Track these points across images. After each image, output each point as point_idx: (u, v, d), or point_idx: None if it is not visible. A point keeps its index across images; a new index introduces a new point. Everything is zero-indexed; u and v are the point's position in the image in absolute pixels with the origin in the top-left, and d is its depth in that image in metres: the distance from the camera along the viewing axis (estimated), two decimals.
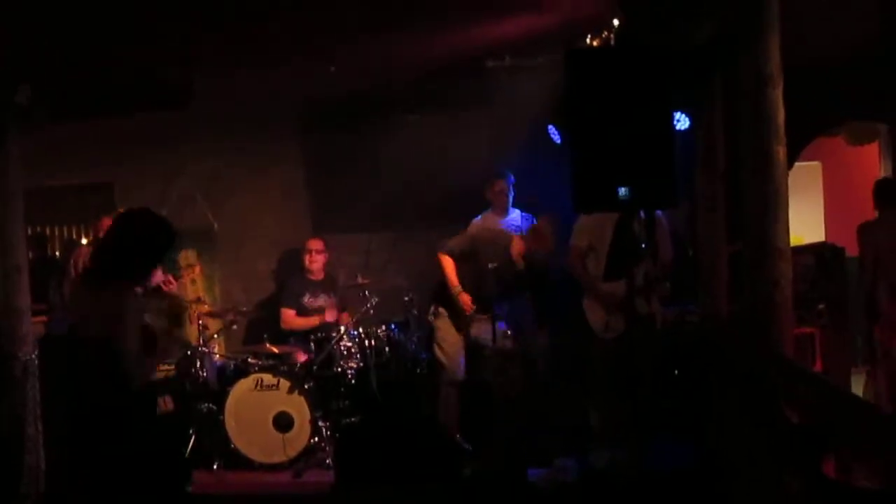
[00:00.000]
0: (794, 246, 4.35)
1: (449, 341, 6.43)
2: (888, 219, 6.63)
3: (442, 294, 6.46)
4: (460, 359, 6.42)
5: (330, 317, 7.09)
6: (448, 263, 6.38)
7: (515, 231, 6.69)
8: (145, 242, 3.85)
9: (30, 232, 7.84)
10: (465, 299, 6.26)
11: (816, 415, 3.40)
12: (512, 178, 6.89)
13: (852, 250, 6.84)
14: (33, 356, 5.88)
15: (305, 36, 5.87)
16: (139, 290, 4.08)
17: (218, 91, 6.88)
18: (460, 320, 6.38)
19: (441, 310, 6.48)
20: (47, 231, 8.36)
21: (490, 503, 5.09)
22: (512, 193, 6.88)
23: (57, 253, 8.33)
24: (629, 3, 5.23)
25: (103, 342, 3.67)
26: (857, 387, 6.68)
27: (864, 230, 6.74)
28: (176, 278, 6.99)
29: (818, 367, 6.23)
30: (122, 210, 3.98)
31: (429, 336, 6.76)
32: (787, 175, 3.98)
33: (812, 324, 6.35)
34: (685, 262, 6.18)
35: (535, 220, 6.88)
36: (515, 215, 7.00)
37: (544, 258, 6.28)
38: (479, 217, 6.88)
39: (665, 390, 5.54)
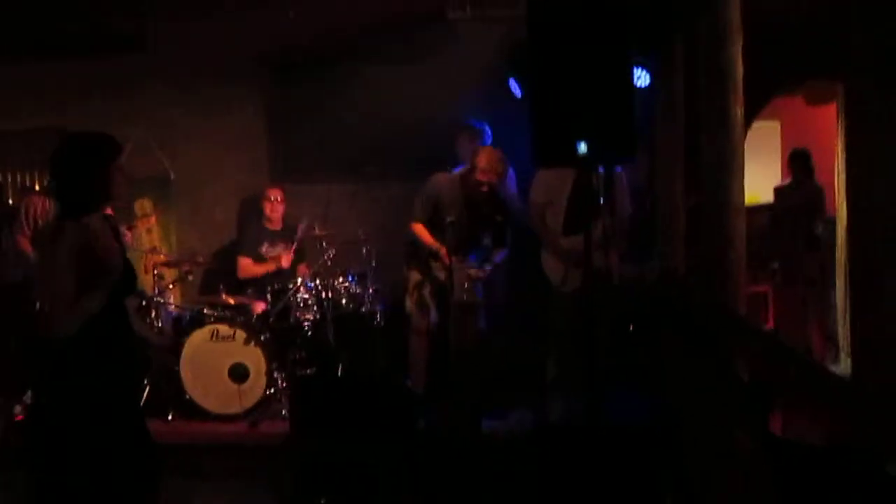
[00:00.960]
0: (749, 205, 4.40)
1: (419, 292, 6.40)
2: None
3: (414, 252, 6.45)
4: (431, 309, 6.40)
5: (285, 262, 7.04)
6: (420, 230, 6.36)
7: None
8: (92, 158, 3.63)
9: None
10: (444, 252, 6.20)
11: (765, 371, 3.45)
12: (483, 128, 6.84)
13: None
14: None
15: None
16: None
17: (174, 38, 6.76)
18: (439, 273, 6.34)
19: (413, 264, 6.46)
20: None
21: (444, 454, 5.12)
22: (483, 144, 6.83)
23: (10, 200, 8.18)
24: None
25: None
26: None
27: None
28: (131, 228, 6.93)
29: (770, 324, 6.33)
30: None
31: (392, 288, 6.74)
32: (745, 133, 4.00)
33: (765, 282, 6.44)
34: (644, 218, 6.21)
35: (510, 171, 6.81)
36: None
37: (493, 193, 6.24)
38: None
39: (622, 345, 5.59)
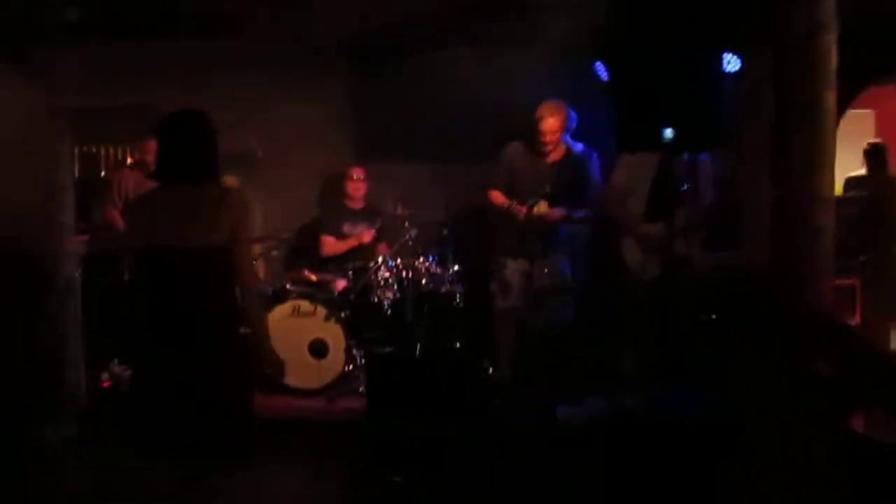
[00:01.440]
0: (839, 195, 4.29)
1: (503, 275, 6.42)
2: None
3: (498, 233, 6.48)
4: (513, 292, 6.40)
5: (367, 237, 7.13)
6: (496, 195, 6.43)
7: None
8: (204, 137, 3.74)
9: (77, 151, 7.93)
10: (518, 208, 6.23)
11: (847, 369, 3.38)
12: (570, 111, 6.79)
13: None
14: (76, 274, 6.00)
15: None
16: None
17: (264, 24, 6.84)
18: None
19: (498, 247, 6.48)
20: (93, 150, 8.44)
21: (518, 438, 5.13)
22: (569, 127, 6.80)
23: (103, 173, 8.41)
24: None
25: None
26: None
27: None
28: None
29: (857, 319, 6.17)
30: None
31: (473, 269, 6.77)
32: (835, 123, 3.90)
33: (854, 275, 6.29)
34: (728, 207, 6.10)
35: (594, 155, 6.78)
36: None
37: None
38: None
39: (700, 336, 5.52)
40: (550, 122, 6.18)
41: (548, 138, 6.20)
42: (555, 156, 6.32)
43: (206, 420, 3.61)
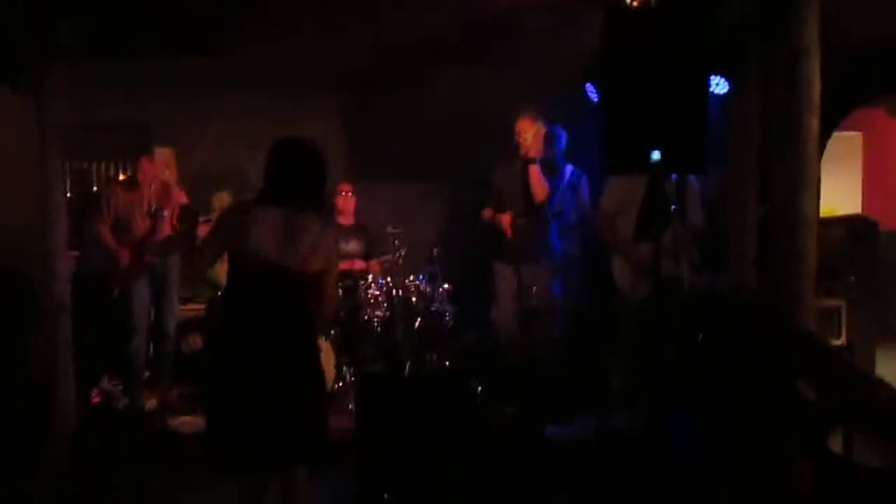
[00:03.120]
0: (826, 217, 4.33)
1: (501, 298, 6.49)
2: None
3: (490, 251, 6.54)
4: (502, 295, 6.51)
5: (358, 264, 7.15)
6: (487, 213, 6.60)
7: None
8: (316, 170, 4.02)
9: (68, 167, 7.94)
10: (504, 219, 6.36)
11: (831, 392, 3.41)
12: (560, 133, 6.93)
13: (889, 223, 6.78)
14: (67, 291, 6.00)
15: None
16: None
17: (255, 43, 6.89)
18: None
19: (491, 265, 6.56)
20: (84, 166, 8.46)
21: (507, 456, 5.15)
22: (559, 148, 6.98)
23: (95, 189, 8.42)
24: None
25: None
26: (883, 362, 6.65)
27: None
28: (209, 220, 7.08)
29: (842, 340, 6.20)
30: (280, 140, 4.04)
31: (462, 288, 6.82)
32: (819, 146, 3.94)
33: (840, 296, 6.31)
34: (717, 228, 6.14)
35: (583, 177, 6.93)
36: (564, 172, 7.05)
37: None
38: None
39: (689, 357, 5.54)
40: (527, 136, 6.32)
41: (529, 152, 6.31)
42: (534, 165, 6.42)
43: (294, 425, 3.81)
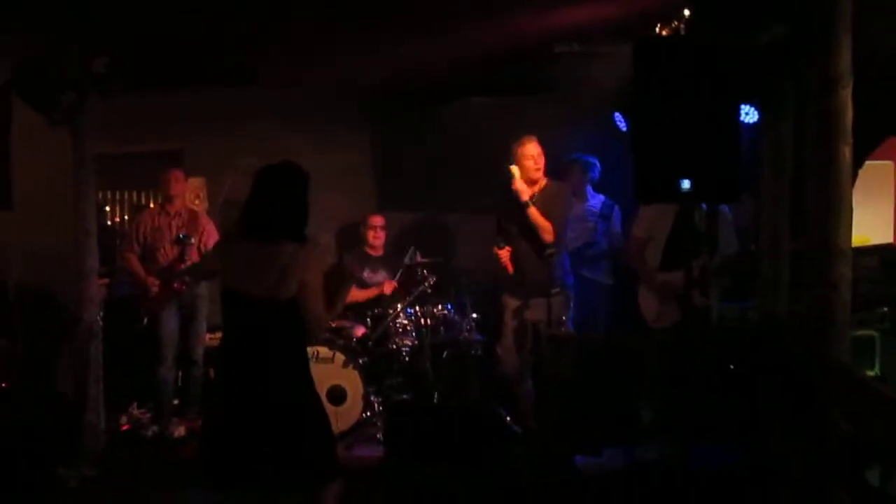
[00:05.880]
0: (858, 246, 4.29)
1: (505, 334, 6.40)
2: None
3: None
4: (514, 353, 6.36)
5: (388, 288, 7.15)
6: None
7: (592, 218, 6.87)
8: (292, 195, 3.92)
9: (101, 197, 8.05)
10: (503, 254, 6.22)
11: (866, 423, 3.37)
12: (593, 162, 6.92)
13: None
14: (98, 318, 6.07)
15: (374, 26, 5.91)
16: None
17: (286, 73, 6.96)
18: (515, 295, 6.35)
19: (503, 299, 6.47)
20: (116, 196, 8.57)
21: (536, 487, 5.11)
22: (592, 177, 6.98)
23: (126, 216, 8.53)
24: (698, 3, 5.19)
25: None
26: None
27: None
28: None
29: (877, 370, 6.12)
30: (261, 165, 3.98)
31: (491, 318, 6.77)
32: (852, 176, 3.92)
33: (873, 327, 6.24)
34: (749, 258, 6.10)
35: (615, 207, 6.91)
36: (596, 201, 7.02)
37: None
38: None
39: (719, 388, 5.49)
40: (526, 162, 6.22)
41: (522, 196, 6.18)
42: (534, 188, 6.29)
43: (302, 442, 3.85)
